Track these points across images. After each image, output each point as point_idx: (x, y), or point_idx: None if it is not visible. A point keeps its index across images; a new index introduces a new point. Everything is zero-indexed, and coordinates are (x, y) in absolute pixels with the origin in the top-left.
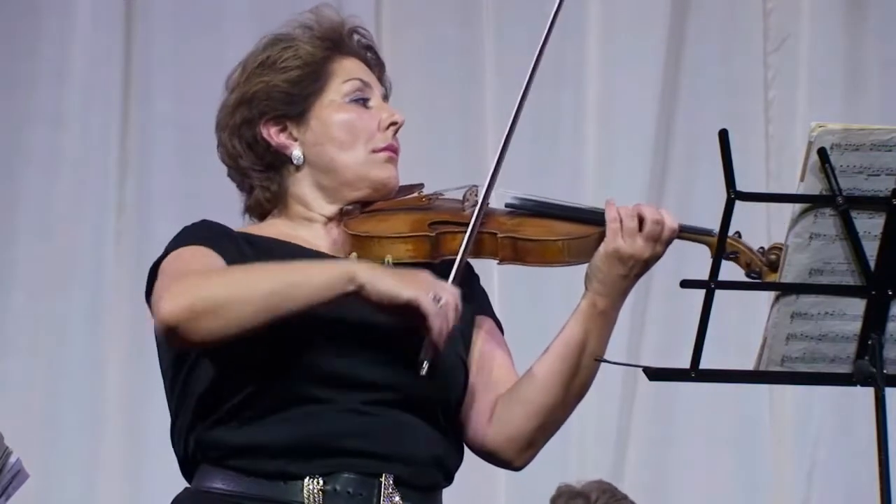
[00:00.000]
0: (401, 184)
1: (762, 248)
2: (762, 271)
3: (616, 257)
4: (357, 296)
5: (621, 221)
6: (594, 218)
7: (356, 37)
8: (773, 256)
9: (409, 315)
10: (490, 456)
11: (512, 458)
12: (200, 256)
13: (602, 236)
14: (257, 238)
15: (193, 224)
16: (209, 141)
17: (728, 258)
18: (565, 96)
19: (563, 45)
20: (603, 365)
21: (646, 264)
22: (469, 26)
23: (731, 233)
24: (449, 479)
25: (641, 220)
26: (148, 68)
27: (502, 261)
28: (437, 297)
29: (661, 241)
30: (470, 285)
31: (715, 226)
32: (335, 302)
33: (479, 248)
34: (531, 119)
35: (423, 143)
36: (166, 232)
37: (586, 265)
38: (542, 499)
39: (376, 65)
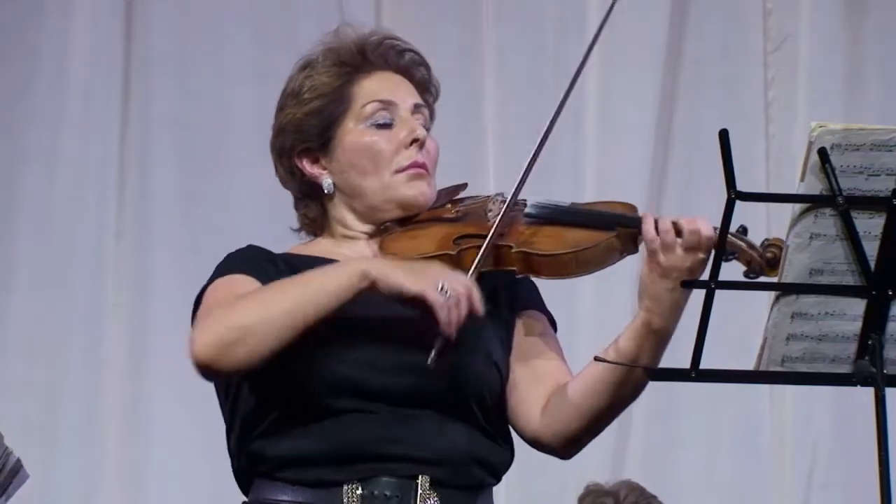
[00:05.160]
0: (442, 188)
1: (766, 239)
2: (762, 269)
3: (659, 273)
4: (371, 290)
5: (660, 239)
6: (606, 222)
7: (387, 43)
8: (769, 254)
9: (420, 308)
10: (538, 445)
11: (558, 450)
12: (238, 286)
13: (613, 241)
14: (299, 258)
15: (237, 250)
16: (209, 141)
17: (728, 259)
18: None
19: (564, 45)
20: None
21: (690, 272)
22: (469, 26)
23: (736, 227)
24: (496, 477)
25: (679, 232)
26: (148, 68)
27: (520, 272)
28: (444, 289)
29: (700, 249)
30: (514, 284)
31: (715, 226)
32: (353, 300)
33: (498, 260)
34: (531, 119)
35: None
36: (166, 232)
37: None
38: (542, 497)
39: (417, 64)
